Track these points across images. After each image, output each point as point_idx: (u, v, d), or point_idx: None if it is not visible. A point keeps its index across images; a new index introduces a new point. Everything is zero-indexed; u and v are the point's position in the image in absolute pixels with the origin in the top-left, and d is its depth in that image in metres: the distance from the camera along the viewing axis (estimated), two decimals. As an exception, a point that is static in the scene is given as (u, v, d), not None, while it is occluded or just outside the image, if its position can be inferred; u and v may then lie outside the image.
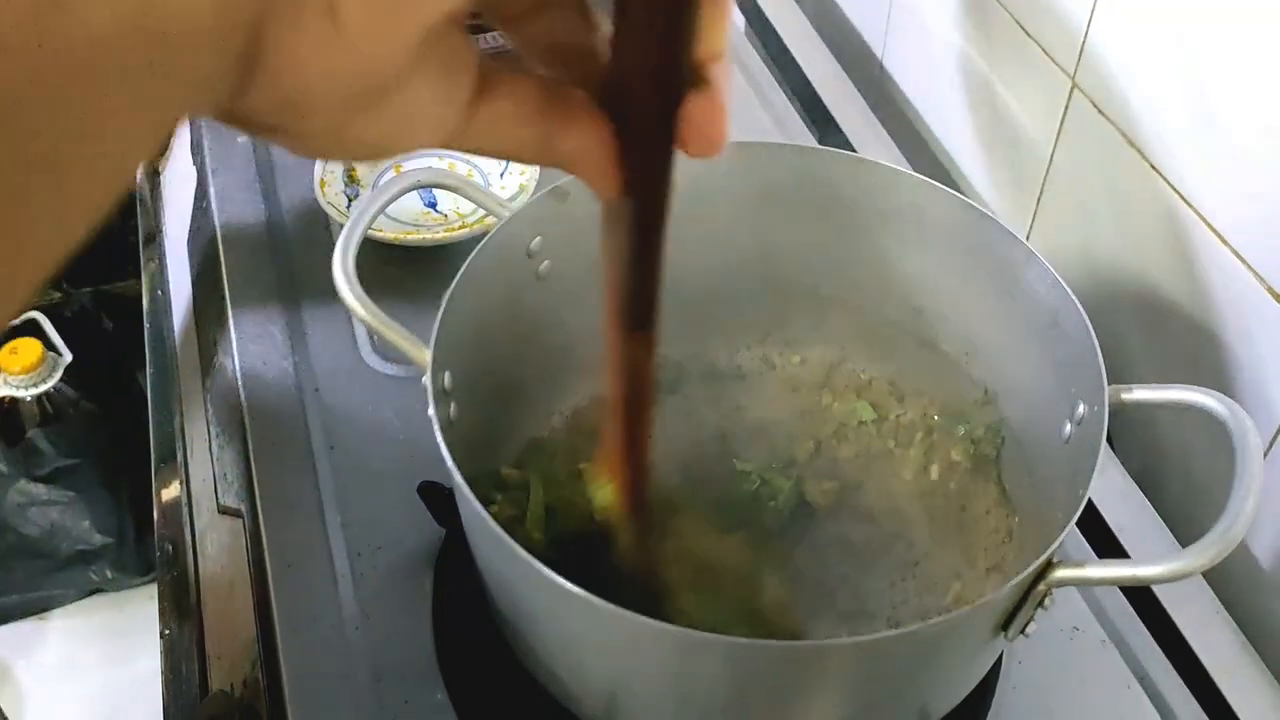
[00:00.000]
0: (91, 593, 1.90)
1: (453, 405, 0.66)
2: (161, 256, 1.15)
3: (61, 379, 1.80)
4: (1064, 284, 0.65)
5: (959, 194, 0.70)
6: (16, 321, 1.86)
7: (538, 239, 0.72)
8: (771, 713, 0.58)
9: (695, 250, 0.77)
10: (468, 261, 0.67)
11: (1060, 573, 0.54)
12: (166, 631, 0.94)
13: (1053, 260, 0.66)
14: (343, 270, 0.64)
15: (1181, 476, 0.86)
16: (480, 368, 0.71)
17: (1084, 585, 0.54)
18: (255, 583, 0.78)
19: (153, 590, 1.01)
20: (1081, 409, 0.63)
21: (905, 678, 0.58)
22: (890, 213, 0.74)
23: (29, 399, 1.78)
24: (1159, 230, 0.83)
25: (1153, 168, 0.83)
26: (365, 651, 0.73)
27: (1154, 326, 0.86)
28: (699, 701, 0.58)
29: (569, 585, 0.52)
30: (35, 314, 1.88)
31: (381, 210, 0.67)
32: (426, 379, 0.62)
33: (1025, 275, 0.68)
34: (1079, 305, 0.64)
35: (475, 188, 0.70)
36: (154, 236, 1.20)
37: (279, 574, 0.77)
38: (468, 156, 1.04)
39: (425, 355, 0.63)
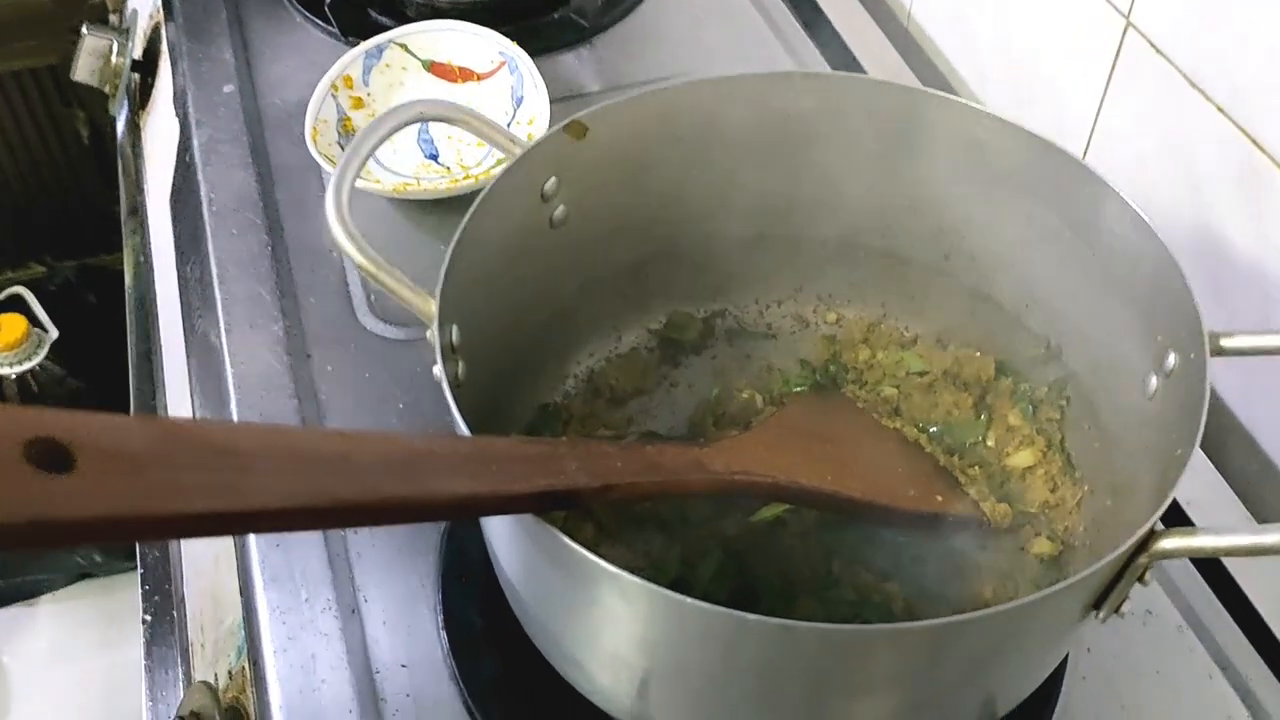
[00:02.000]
0: (80, 577, 1.83)
1: (460, 364, 0.59)
2: (144, 221, 1.07)
3: (47, 356, 1.74)
4: (1148, 221, 0.58)
5: (1025, 127, 0.63)
6: (1, 297, 1.81)
7: (552, 180, 0.64)
8: (820, 703, 0.52)
9: (718, 196, 0.70)
10: (475, 204, 0.59)
11: (1168, 542, 0.47)
12: (148, 618, 0.87)
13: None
14: (336, 211, 0.57)
15: (1244, 441, 0.79)
16: (488, 324, 0.63)
17: (1192, 555, 0.47)
18: (240, 565, 0.70)
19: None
20: (1172, 359, 0.56)
21: (974, 668, 0.51)
22: (943, 149, 0.66)
23: (13, 377, 1.72)
24: (1227, 181, 0.76)
25: (1220, 110, 0.75)
26: (363, 639, 0.66)
27: (1217, 283, 0.78)
28: (743, 691, 0.51)
29: (610, 567, 0.45)
30: (19, 289, 1.82)
31: (380, 142, 0.60)
32: (432, 332, 0.55)
33: (1101, 214, 0.61)
34: (1166, 246, 0.57)
35: (484, 121, 0.63)
36: (136, 208, 1.12)
37: (265, 555, 0.69)
38: (472, 105, 0.96)
39: (431, 306, 0.55)
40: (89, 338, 1.80)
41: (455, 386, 0.57)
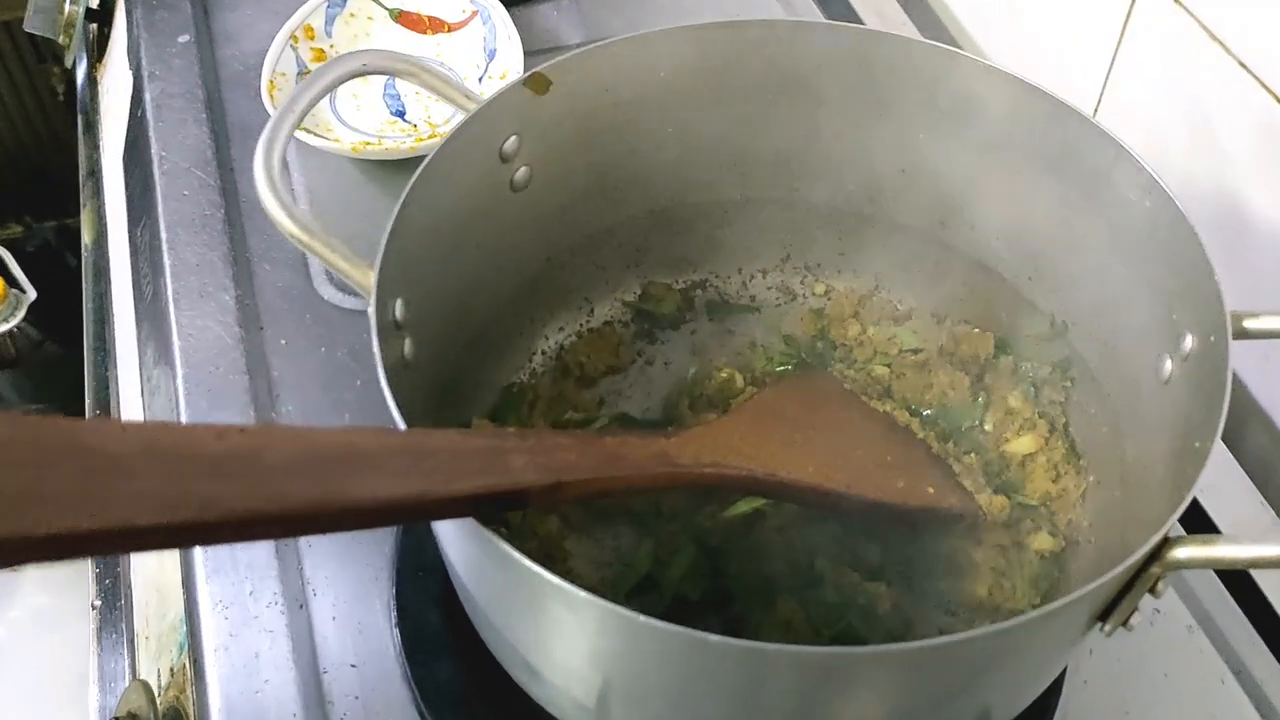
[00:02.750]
0: (64, 545, 1.80)
1: (407, 341, 0.53)
2: (99, 191, 1.01)
3: (25, 318, 1.69)
4: (1165, 186, 0.52)
5: (1029, 80, 0.57)
6: (-26, 257, 1.76)
7: (513, 139, 0.59)
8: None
9: (696, 155, 0.65)
10: (423, 165, 0.54)
11: (1182, 552, 0.42)
12: (97, 604, 0.83)
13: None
14: (265, 171, 0.51)
15: (1263, 427, 0.74)
16: (442, 296, 0.58)
17: (1211, 567, 0.42)
18: (182, 556, 0.65)
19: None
20: (1190, 341, 0.50)
21: (965, 686, 0.46)
22: (940, 106, 0.60)
23: (-9, 338, 1.68)
24: (1247, 139, 0.70)
25: (1242, 65, 0.69)
26: (310, 636, 0.62)
27: (1237, 251, 0.73)
28: (709, 713, 0.46)
29: (554, 579, 0.40)
30: (-2, 248, 1.78)
31: (318, 98, 0.54)
32: (370, 308, 0.49)
33: (1113, 178, 0.55)
34: (1185, 213, 0.51)
35: (434, 74, 0.57)
36: (95, 168, 1.06)
37: (211, 548, 0.64)
38: (442, 58, 0.90)
39: (370, 278, 0.50)
40: (68, 300, 1.75)
41: (400, 368, 0.53)
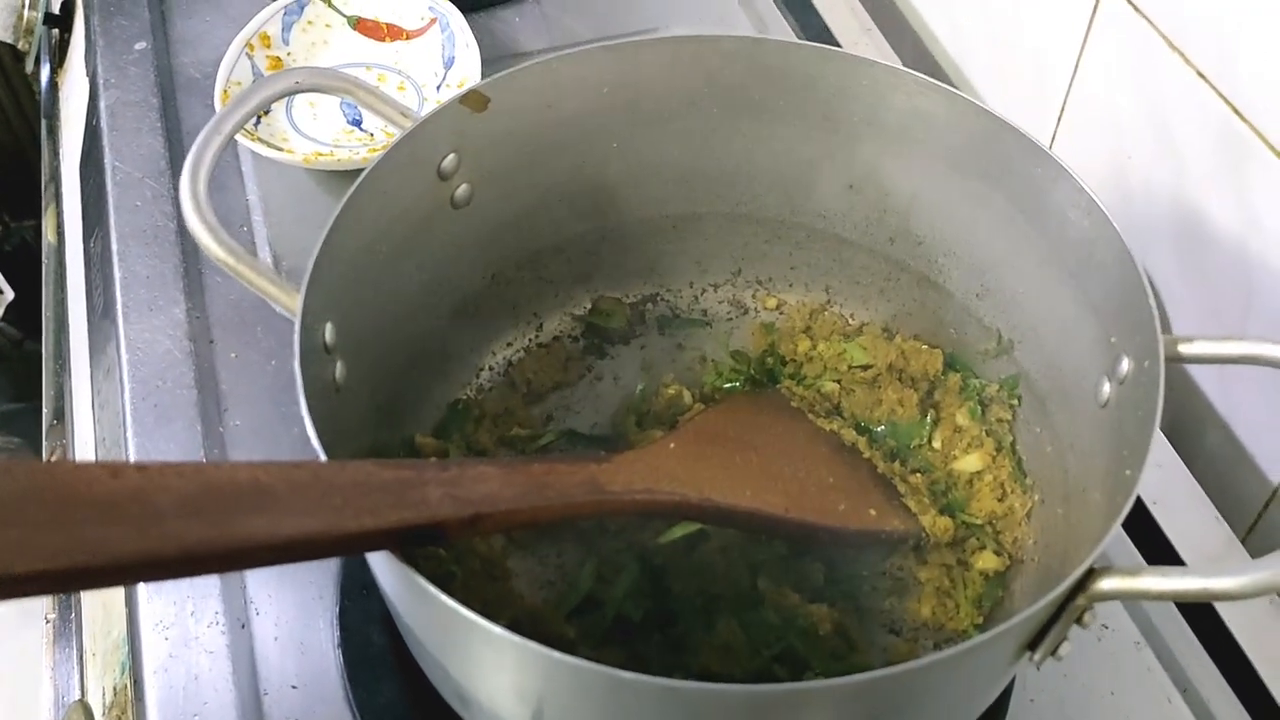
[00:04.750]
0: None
1: (338, 365, 0.53)
2: (59, 195, 1.01)
3: (3, 318, 1.69)
4: (1102, 207, 0.52)
5: (971, 98, 0.56)
6: (-48, 257, 1.75)
7: (451, 156, 0.58)
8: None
9: (644, 170, 0.64)
10: (355, 184, 0.53)
11: (1106, 584, 0.41)
12: (51, 616, 0.82)
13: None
14: (191, 194, 0.51)
15: (1224, 442, 0.73)
16: (381, 316, 0.57)
17: (1137, 599, 0.41)
18: (124, 573, 0.65)
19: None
20: (1126, 365, 0.50)
21: (904, 711, 0.46)
22: (886, 122, 0.60)
23: (-33, 341, 1.67)
24: (1207, 150, 0.70)
25: (1200, 76, 0.69)
26: (251, 657, 0.61)
27: (1198, 263, 0.72)
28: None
29: (468, 614, 0.39)
30: (-29, 248, 1.77)
31: (246, 119, 0.54)
32: (295, 334, 0.49)
33: (1053, 197, 0.55)
34: (1121, 234, 0.51)
35: (367, 90, 0.57)
36: (55, 171, 1.06)
37: (151, 563, 0.64)
38: (400, 66, 0.90)
39: (297, 301, 0.49)
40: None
41: (330, 392, 0.52)
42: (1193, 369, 0.75)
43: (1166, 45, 0.71)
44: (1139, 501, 0.69)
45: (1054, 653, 0.45)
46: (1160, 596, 0.42)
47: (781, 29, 0.95)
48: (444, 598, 0.40)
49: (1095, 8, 0.77)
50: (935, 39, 0.98)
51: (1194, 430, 0.75)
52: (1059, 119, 0.84)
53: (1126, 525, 0.67)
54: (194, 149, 0.52)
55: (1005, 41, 0.88)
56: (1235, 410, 0.72)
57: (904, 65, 0.91)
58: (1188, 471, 0.71)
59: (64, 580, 0.32)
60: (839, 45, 0.94)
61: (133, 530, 0.33)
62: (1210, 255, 0.71)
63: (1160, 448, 0.72)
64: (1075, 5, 0.78)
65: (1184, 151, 0.72)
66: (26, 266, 1.79)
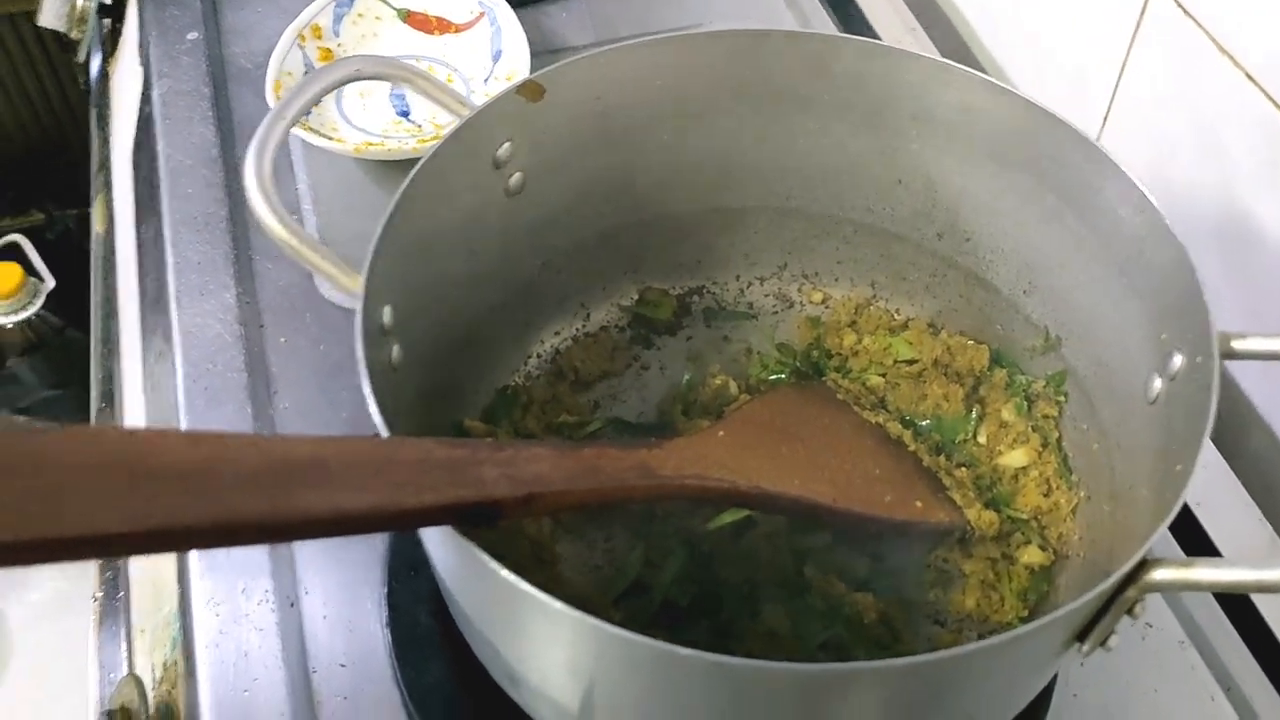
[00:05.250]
0: (82, 532, 1.82)
1: (395, 347, 0.54)
2: (109, 184, 1.02)
3: (44, 305, 1.71)
4: (1155, 204, 0.52)
5: (1022, 94, 0.57)
6: (-3, 244, 1.78)
7: (506, 145, 0.59)
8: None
9: (694, 163, 0.65)
10: (414, 170, 0.54)
11: (1159, 574, 0.42)
12: (99, 595, 0.84)
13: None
14: (256, 176, 0.51)
15: (1268, 443, 0.73)
16: (434, 301, 0.58)
17: (1189, 590, 0.42)
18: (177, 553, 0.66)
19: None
20: (1178, 361, 0.50)
21: (942, 701, 0.46)
22: (935, 117, 0.60)
23: (10, 326, 1.69)
24: (1254, 152, 0.70)
25: (1249, 78, 0.69)
26: (300, 635, 0.62)
27: (1241, 263, 0.72)
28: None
29: (527, 588, 0.40)
30: (16, 236, 1.79)
31: (310, 104, 0.55)
32: (357, 315, 0.50)
33: (1104, 194, 0.55)
34: (1173, 232, 0.51)
35: (427, 79, 0.57)
36: (105, 160, 1.07)
37: (203, 541, 0.65)
38: (448, 59, 0.91)
39: (358, 284, 0.50)
40: (87, 288, 1.77)
41: (388, 372, 0.53)
42: (1236, 370, 0.75)
43: (1215, 47, 0.71)
44: (1183, 505, 0.69)
45: (1103, 644, 0.45)
46: (1212, 588, 0.42)
47: (825, 26, 0.96)
48: (503, 572, 0.41)
49: (1143, 10, 0.77)
50: (978, 39, 0.98)
51: (1237, 431, 0.75)
52: (1104, 121, 0.84)
53: (1170, 525, 0.67)
54: (259, 132, 0.53)
55: (1049, 42, 0.88)
56: (1278, 411, 0.72)
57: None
58: (1231, 472, 0.71)
59: (144, 542, 0.33)
60: (881, 41, 0.94)
61: (201, 499, 0.34)
62: (1254, 255, 0.71)
63: (1202, 455, 0.72)
64: (1122, 7, 0.78)
65: (1230, 152, 0.72)
66: (68, 255, 1.81)
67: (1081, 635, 0.45)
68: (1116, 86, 0.82)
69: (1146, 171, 0.78)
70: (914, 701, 0.46)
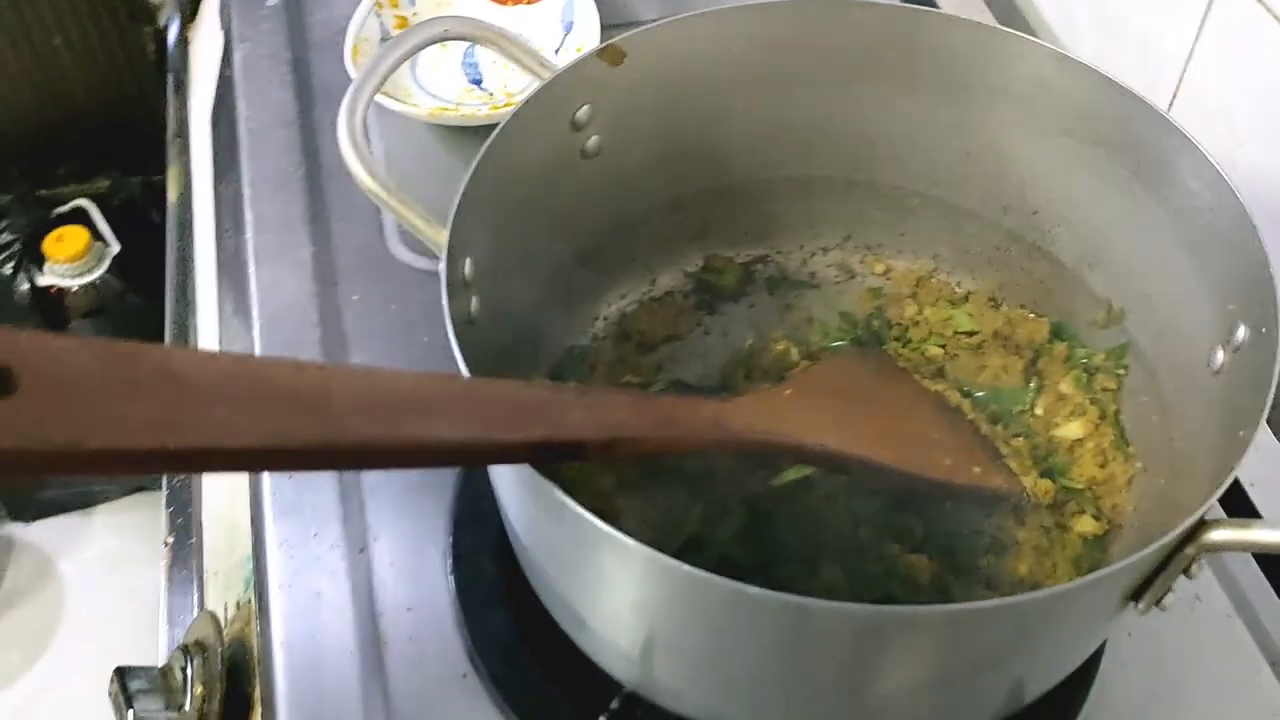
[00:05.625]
0: (136, 489, 1.86)
1: (474, 300, 0.55)
2: (186, 149, 1.05)
3: (108, 270, 1.75)
4: (1227, 179, 0.53)
5: (1098, 68, 0.58)
6: (64, 209, 1.82)
7: (585, 108, 0.61)
8: (837, 680, 0.48)
9: (764, 131, 0.66)
10: (497, 130, 0.56)
11: (1217, 534, 0.43)
12: (170, 540, 0.87)
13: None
14: (348, 130, 0.54)
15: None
16: (510, 259, 0.60)
17: (1246, 550, 0.43)
18: (252, 497, 0.69)
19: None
20: (1242, 332, 0.51)
21: (998, 653, 0.48)
22: (1009, 92, 0.61)
23: (75, 289, 1.73)
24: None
25: (1318, 60, 0.69)
26: (369, 579, 0.64)
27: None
28: (745, 665, 0.48)
29: (601, 524, 0.42)
30: (84, 201, 1.83)
31: (400, 61, 0.57)
32: (441, 265, 0.51)
33: (1176, 168, 0.56)
34: (1245, 205, 0.52)
35: (513, 42, 0.59)
36: (182, 126, 1.10)
37: (277, 488, 0.68)
38: (521, 29, 0.92)
39: (443, 236, 0.52)
40: (150, 253, 1.80)
41: (466, 323, 0.55)
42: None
43: (1285, 30, 0.71)
44: (1237, 484, 0.70)
45: (1158, 603, 0.46)
46: (1270, 549, 0.43)
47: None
48: (578, 508, 0.43)
49: (1212, -3, 0.77)
50: (1045, 23, 0.98)
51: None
52: (1170, 105, 0.84)
53: (1224, 503, 0.68)
54: (351, 88, 0.55)
55: (1116, 18, 0.88)
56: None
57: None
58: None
59: (258, 459, 0.35)
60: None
61: (316, 420, 0.36)
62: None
63: (1260, 431, 0.72)
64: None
65: (1297, 139, 0.72)
66: (134, 221, 1.85)
67: (1137, 595, 0.46)
68: (1186, 65, 0.82)
69: (1213, 153, 0.79)
70: (964, 655, 0.47)
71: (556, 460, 0.44)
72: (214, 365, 0.36)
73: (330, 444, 0.36)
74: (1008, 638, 0.46)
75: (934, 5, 0.95)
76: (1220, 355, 0.53)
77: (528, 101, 0.57)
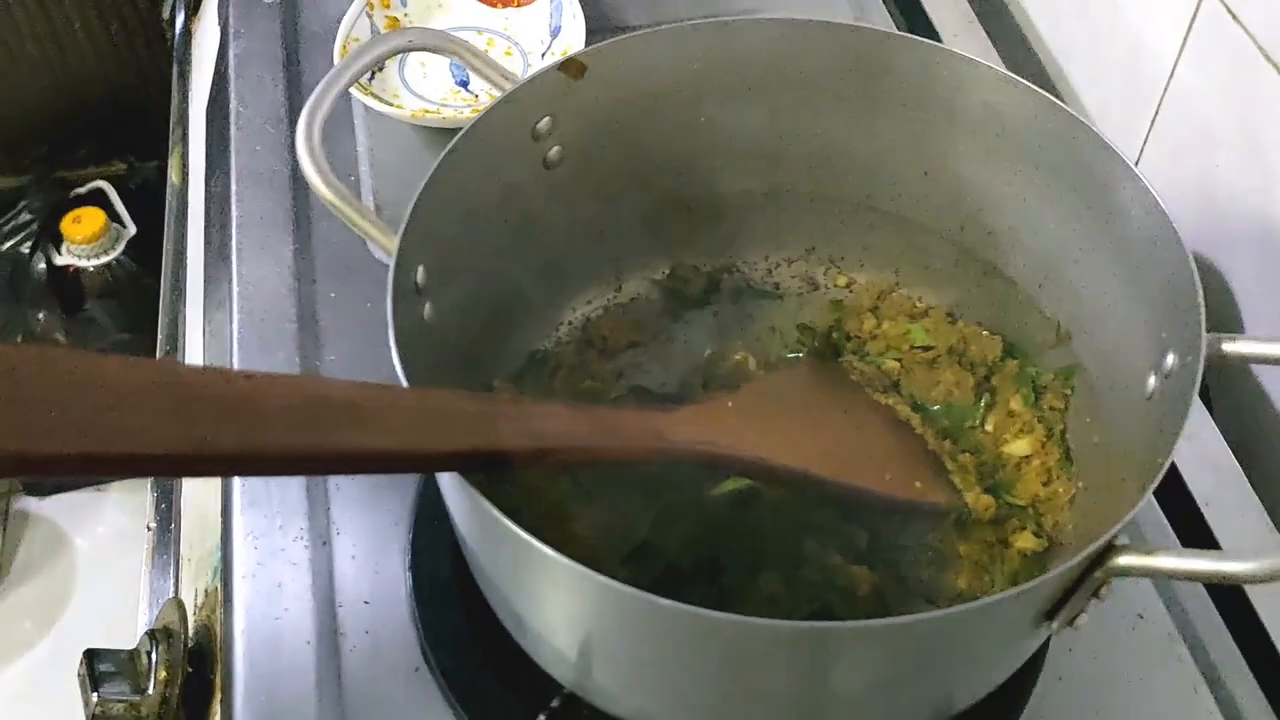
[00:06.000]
0: (150, 468, 1.89)
1: (427, 306, 0.57)
2: (186, 137, 1.07)
3: (124, 252, 1.78)
4: (1164, 207, 0.54)
5: (1048, 94, 0.59)
6: (82, 190, 1.85)
7: (546, 119, 0.62)
8: (758, 688, 0.50)
9: (727, 146, 0.67)
10: (455, 139, 0.57)
11: (1123, 559, 0.44)
12: (152, 525, 0.89)
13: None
14: (305, 140, 0.55)
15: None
16: (470, 266, 0.62)
17: (1150, 575, 0.44)
18: (222, 487, 0.71)
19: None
20: (1171, 360, 0.52)
21: (926, 664, 0.49)
22: (963, 113, 0.62)
23: (91, 269, 1.77)
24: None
25: (1290, 85, 0.70)
26: (330, 571, 0.66)
27: (1276, 269, 0.73)
28: (670, 674, 0.49)
29: (534, 541, 0.43)
30: (102, 183, 1.86)
31: (363, 72, 0.58)
32: (390, 271, 0.53)
33: (1120, 195, 0.57)
34: (1179, 234, 0.53)
35: (473, 53, 0.61)
36: (183, 114, 1.12)
37: (248, 481, 0.69)
38: (510, 31, 0.94)
39: (393, 244, 0.54)
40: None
41: (419, 330, 0.56)
42: (1267, 384, 0.75)
43: (1261, 55, 0.72)
44: (1192, 505, 0.71)
45: (1071, 623, 0.47)
46: (1171, 575, 0.44)
47: (881, 15, 0.97)
48: (504, 520, 0.44)
49: (1195, 13, 0.78)
50: (1038, 35, 0.99)
51: (1258, 441, 0.76)
52: (1152, 123, 0.85)
53: (1179, 525, 0.69)
54: (313, 97, 0.56)
55: (1104, 41, 0.89)
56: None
57: (1003, 59, 0.94)
58: (1245, 478, 0.72)
59: (187, 465, 0.37)
60: (939, 36, 0.96)
61: (239, 428, 0.38)
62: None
63: (1223, 459, 0.73)
64: (1174, 14, 0.79)
65: (1270, 162, 0.73)
66: (149, 204, 1.88)
67: (1051, 614, 0.47)
68: (1166, 87, 0.83)
69: (1192, 172, 0.80)
70: (891, 666, 0.48)
71: (484, 469, 0.46)
72: (139, 373, 0.37)
73: (253, 451, 0.38)
74: (922, 651, 0.47)
75: (937, 35, 0.96)
76: (1153, 381, 0.53)
77: (488, 111, 0.59)
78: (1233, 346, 0.49)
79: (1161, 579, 0.65)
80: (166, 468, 0.37)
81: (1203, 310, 0.49)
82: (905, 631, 0.44)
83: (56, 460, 0.34)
